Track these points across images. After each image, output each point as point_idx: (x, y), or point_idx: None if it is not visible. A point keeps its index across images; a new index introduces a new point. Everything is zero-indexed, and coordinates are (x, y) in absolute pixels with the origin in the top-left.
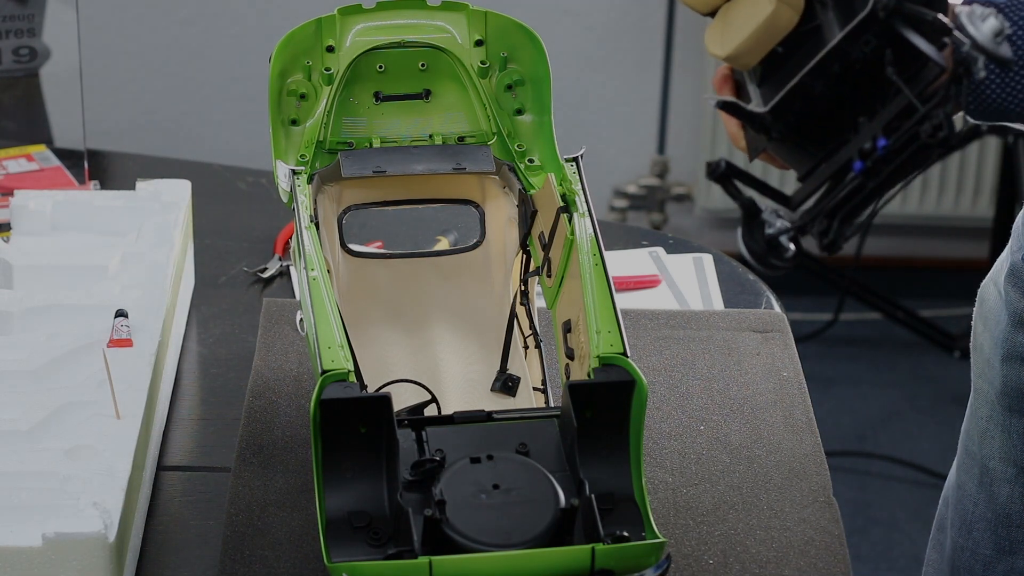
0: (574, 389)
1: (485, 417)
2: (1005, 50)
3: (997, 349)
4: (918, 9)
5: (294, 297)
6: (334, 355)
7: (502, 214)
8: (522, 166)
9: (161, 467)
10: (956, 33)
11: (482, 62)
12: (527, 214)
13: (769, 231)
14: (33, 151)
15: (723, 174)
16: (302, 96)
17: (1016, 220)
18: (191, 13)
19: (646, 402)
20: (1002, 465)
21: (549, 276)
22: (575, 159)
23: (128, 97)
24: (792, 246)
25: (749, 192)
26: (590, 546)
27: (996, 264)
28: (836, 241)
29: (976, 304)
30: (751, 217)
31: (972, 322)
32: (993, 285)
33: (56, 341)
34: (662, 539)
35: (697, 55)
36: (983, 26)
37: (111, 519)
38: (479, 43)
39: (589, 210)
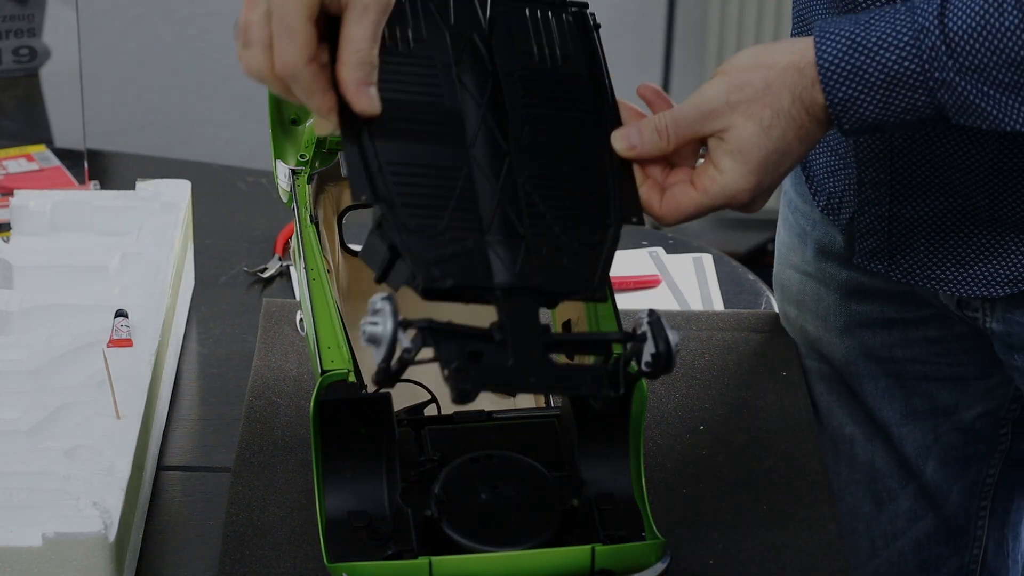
0: None
1: (485, 417)
2: None
3: (830, 323)
4: None
5: (294, 297)
6: (334, 355)
7: None
8: None
9: (161, 467)
10: None
11: None
12: None
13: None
14: (33, 151)
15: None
16: None
17: (787, 188)
18: (191, 13)
19: (646, 402)
20: (855, 428)
21: None
22: None
23: (128, 97)
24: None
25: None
26: (590, 546)
27: (780, 250)
28: None
29: (776, 293)
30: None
31: (780, 312)
32: (789, 269)
33: (56, 341)
34: (662, 539)
35: (697, 55)
36: None
37: (111, 519)
38: None
39: None
